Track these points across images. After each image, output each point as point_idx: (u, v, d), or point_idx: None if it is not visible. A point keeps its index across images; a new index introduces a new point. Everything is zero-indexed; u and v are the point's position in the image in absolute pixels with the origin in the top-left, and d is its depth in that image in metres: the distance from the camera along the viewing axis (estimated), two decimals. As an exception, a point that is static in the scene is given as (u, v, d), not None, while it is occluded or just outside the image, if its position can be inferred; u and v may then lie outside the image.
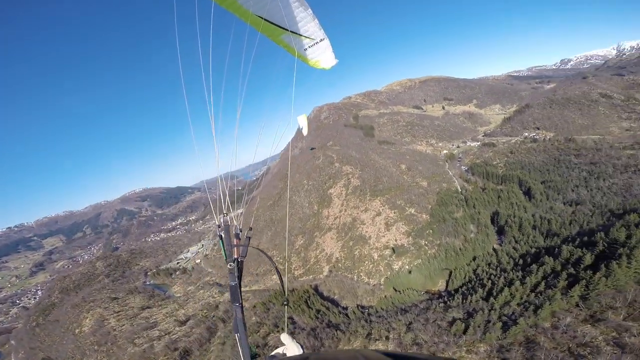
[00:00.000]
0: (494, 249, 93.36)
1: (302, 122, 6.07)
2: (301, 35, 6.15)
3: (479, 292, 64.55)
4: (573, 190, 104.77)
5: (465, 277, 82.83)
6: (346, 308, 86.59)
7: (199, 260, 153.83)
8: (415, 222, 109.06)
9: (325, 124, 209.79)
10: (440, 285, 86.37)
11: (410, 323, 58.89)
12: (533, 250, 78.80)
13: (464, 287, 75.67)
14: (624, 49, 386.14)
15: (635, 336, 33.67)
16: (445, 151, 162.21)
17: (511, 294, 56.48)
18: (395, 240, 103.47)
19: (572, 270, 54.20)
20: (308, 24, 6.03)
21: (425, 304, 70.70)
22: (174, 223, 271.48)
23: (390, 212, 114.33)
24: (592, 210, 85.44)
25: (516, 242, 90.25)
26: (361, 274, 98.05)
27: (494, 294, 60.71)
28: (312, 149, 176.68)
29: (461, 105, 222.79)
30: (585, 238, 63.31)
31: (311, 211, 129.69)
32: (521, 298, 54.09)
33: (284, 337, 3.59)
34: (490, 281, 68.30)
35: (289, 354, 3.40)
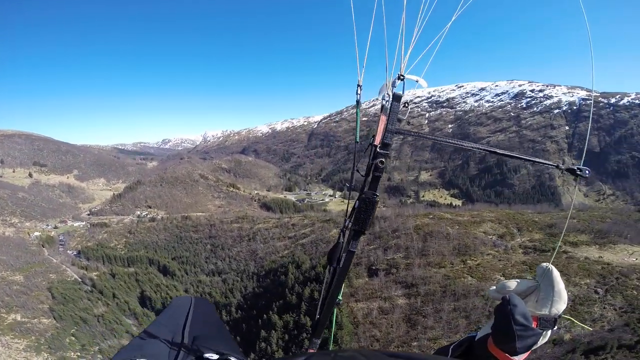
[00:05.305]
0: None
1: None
2: None
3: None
4: (207, 262, 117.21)
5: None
6: None
7: None
8: (34, 331, 71.41)
9: None
10: None
11: None
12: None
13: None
14: (208, 137, 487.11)
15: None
16: (37, 233, 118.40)
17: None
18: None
19: (294, 331, 62.23)
20: None
21: None
22: None
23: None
24: (239, 275, 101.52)
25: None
26: None
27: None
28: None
29: (57, 175, 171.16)
30: (281, 301, 75.02)
31: None
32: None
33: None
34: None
35: None
